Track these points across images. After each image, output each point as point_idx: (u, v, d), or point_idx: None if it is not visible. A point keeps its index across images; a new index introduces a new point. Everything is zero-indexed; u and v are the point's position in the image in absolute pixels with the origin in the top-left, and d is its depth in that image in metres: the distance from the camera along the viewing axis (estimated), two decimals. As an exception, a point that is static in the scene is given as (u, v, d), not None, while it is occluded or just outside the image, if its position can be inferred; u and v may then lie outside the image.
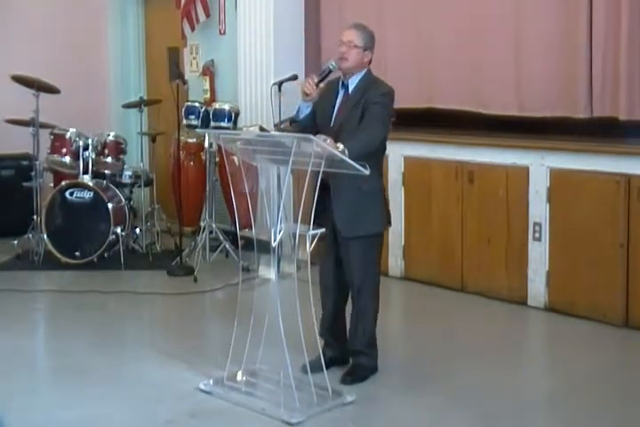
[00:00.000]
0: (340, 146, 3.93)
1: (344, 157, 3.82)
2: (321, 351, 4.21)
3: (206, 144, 7.01)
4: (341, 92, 4.31)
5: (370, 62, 4.31)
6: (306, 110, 4.30)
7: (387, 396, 4.20)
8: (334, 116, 4.27)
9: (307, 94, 4.22)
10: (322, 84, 4.24)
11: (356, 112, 4.19)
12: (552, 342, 5.30)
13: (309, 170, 3.86)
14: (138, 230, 7.30)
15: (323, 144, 3.79)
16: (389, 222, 4.41)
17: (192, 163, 7.39)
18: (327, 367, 4.24)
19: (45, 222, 6.84)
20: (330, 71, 4.25)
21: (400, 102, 6.34)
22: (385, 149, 4.35)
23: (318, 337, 4.14)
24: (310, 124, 4.29)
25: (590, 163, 5.33)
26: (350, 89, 4.27)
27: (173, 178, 7.30)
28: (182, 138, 7.19)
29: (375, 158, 4.19)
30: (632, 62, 5.28)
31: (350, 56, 4.22)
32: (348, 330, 4.45)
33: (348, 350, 4.42)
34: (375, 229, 4.30)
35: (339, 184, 4.17)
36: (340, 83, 4.31)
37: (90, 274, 6.64)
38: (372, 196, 4.25)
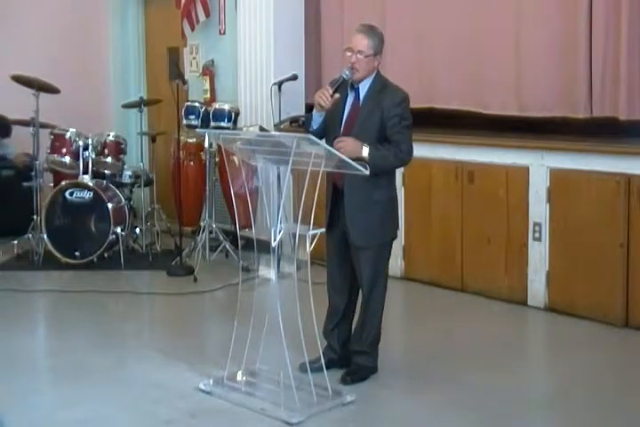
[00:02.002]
0: (366, 150, 4.00)
1: (345, 158, 3.82)
2: (321, 353, 4.20)
3: (206, 144, 7.01)
4: (351, 96, 4.26)
5: (379, 64, 4.28)
6: (319, 119, 4.26)
7: (387, 396, 4.20)
8: (344, 120, 4.24)
9: (322, 107, 4.16)
10: (336, 95, 4.17)
11: (369, 123, 4.15)
12: (552, 342, 5.30)
13: (309, 170, 3.86)
14: (138, 230, 7.29)
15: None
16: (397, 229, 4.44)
17: (192, 163, 7.38)
18: (326, 369, 4.26)
19: (45, 222, 6.84)
20: (343, 80, 4.19)
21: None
22: None
23: (318, 336, 4.12)
24: (324, 134, 4.27)
25: (590, 163, 5.33)
26: (361, 95, 4.23)
27: (173, 178, 7.30)
28: (182, 138, 7.18)
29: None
30: (632, 62, 5.29)
31: (361, 66, 4.16)
32: (352, 331, 4.45)
33: (351, 350, 4.42)
34: (386, 238, 4.34)
35: (352, 192, 4.18)
36: (350, 85, 4.27)
37: (90, 274, 6.63)
38: (385, 205, 4.27)
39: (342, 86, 4.24)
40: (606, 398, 4.20)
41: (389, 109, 4.14)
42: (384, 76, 4.34)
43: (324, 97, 4.13)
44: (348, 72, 4.18)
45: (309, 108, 4.36)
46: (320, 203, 4.03)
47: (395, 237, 4.44)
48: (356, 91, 4.25)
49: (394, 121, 4.14)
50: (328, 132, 4.25)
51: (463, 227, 6.02)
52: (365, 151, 4.03)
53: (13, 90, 6.98)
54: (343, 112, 4.25)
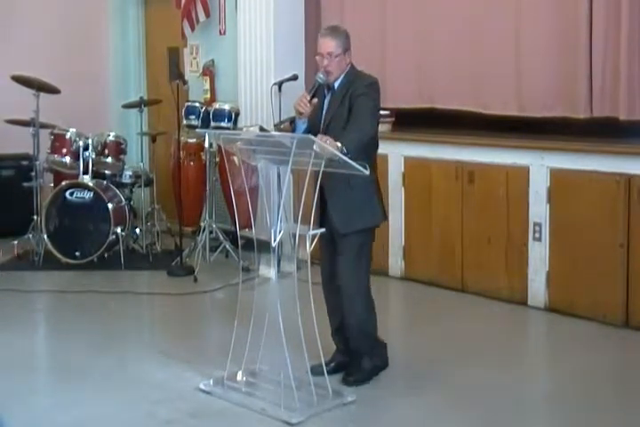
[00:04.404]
0: (339, 144, 3.92)
1: (345, 158, 3.81)
2: (325, 356, 4.18)
3: (206, 144, 7.01)
4: (328, 95, 4.30)
5: (350, 59, 4.29)
6: (302, 126, 4.27)
7: (387, 396, 4.20)
8: (324, 116, 4.27)
9: (301, 113, 4.19)
10: (314, 100, 4.20)
11: (342, 109, 4.18)
12: (552, 342, 5.30)
13: (309, 170, 3.86)
14: (138, 230, 7.29)
15: (324, 145, 3.78)
16: (385, 217, 4.38)
17: (192, 163, 7.38)
18: (335, 372, 4.29)
19: (45, 222, 6.84)
20: (319, 85, 4.23)
21: (400, 102, 6.40)
22: (377, 143, 4.33)
23: (318, 336, 4.11)
24: None
25: (590, 163, 5.33)
26: (336, 87, 4.27)
27: (173, 178, 7.30)
28: (182, 138, 7.18)
29: (367, 152, 4.15)
30: (632, 62, 5.28)
31: (333, 67, 4.20)
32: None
33: (351, 352, 4.41)
34: (371, 223, 4.28)
35: (331, 183, 4.16)
36: (327, 86, 4.30)
37: (90, 274, 6.64)
38: (364, 189, 4.21)
39: (320, 90, 4.26)
40: (606, 398, 4.21)
41: (355, 91, 4.16)
42: (371, 74, 4.33)
43: (302, 103, 4.15)
44: (322, 75, 4.22)
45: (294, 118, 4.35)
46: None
47: (379, 222, 4.33)
48: (332, 88, 4.29)
49: (359, 101, 4.13)
50: (312, 132, 4.22)
51: (463, 227, 6.02)
52: (338, 144, 3.93)
53: (13, 90, 6.98)
54: (322, 111, 4.28)
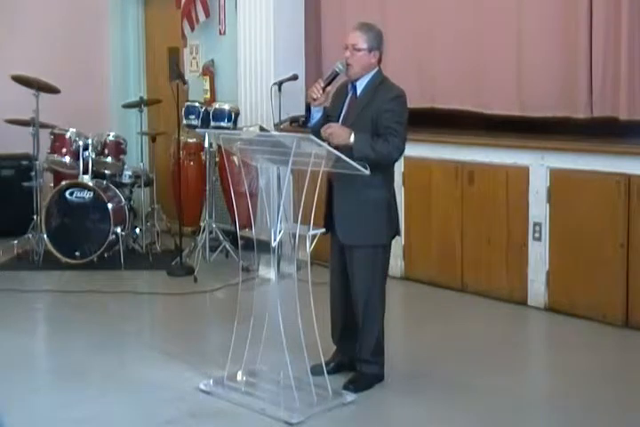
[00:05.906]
0: (352, 139, 3.94)
1: (345, 158, 3.81)
2: (325, 356, 4.17)
3: (206, 144, 7.01)
4: (350, 94, 4.24)
5: (379, 62, 4.23)
6: (317, 115, 4.22)
7: (386, 396, 4.20)
8: (341, 118, 4.20)
9: (314, 99, 4.14)
10: (329, 88, 4.16)
11: (364, 117, 4.11)
12: (552, 343, 5.30)
13: (309, 170, 3.86)
14: (138, 230, 7.29)
15: (323, 145, 3.77)
16: (398, 233, 4.33)
17: (192, 163, 7.39)
18: (335, 372, 4.28)
19: (45, 222, 6.84)
20: (337, 74, 4.16)
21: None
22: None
23: (318, 336, 4.11)
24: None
25: (590, 163, 5.33)
26: (359, 91, 4.20)
27: (173, 178, 7.30)
28: (182, 138, 7.19)
29: (384, 168, 4.16)
30: (632, 62, 5.29)
31: (355, 61, 4.13)
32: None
33: (355, 358, 4.36)
34: (377, 240, 4.19)
35: (342, 190, 4.14)
36: (350, 84, 4.25)
37: (90, 274, 6.63)
38: (376, 205, 4.17)
39: (342, 85, 4.22)
40: (606, 398, 4.20)
41: (382, 105, 4.10)
42: (384, 74, 4.30)
43: (316, 89, 4.12)
44: (341, 66, 4.15)
45: (309, 107, 4.33)
46: (320, 203, 4.03)
47: (389, 240, 4.28)
48: (354, 88, 4.23)
49: (385, 116, 4.08)
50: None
51: (463, 227, 6.02)
52: (352, 137, 3.96)
53: (13, 90, 6.98)
54: (341, 110, 4.23)
